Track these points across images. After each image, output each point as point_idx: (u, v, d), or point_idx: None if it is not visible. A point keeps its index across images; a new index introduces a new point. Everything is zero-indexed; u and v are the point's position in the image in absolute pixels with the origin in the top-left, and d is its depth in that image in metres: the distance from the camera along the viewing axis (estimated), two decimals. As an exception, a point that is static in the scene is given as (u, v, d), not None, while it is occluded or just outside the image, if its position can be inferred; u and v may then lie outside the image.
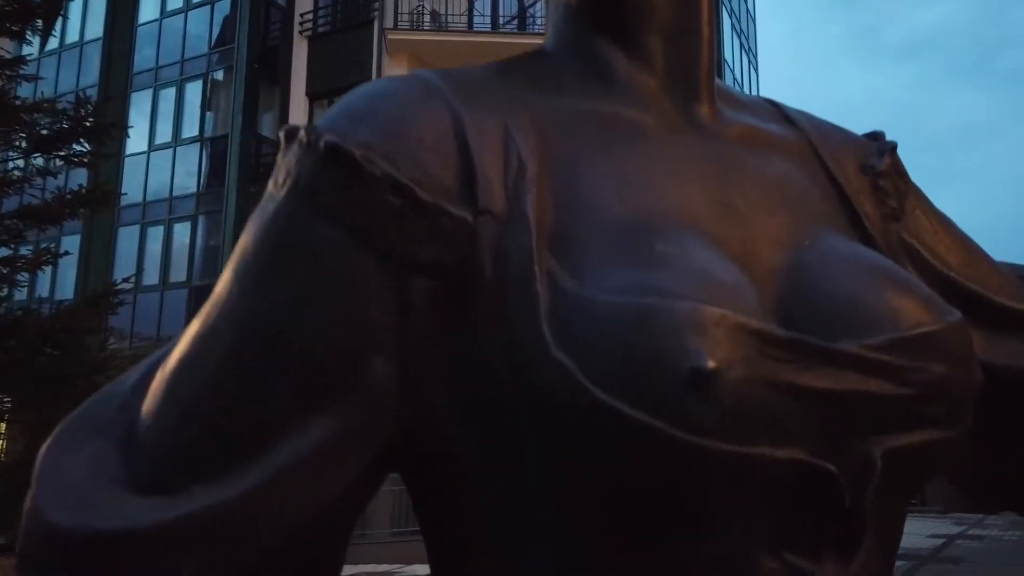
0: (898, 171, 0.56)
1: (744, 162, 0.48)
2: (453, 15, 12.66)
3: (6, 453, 7.55)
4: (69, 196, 7.07)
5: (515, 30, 12.89)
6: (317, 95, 12.90)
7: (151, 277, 13.75)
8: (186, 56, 14.94)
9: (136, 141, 13.96)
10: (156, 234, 14.30)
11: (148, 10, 15.59)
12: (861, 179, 0.54)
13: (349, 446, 0.39)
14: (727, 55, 18.84)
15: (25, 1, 6.90)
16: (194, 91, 14.81)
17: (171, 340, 0.43)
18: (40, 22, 7.31)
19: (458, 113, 0.43)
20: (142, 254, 14.16)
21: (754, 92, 16.25)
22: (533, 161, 0.42)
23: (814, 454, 0.38)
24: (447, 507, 0.44)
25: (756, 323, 0.37)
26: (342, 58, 12.65)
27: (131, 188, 13.29)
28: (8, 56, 7.09)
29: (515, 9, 13.16)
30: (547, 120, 0.45)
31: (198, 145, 14.49)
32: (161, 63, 15.09)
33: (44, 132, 7.17)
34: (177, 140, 14.65)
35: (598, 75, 0.49)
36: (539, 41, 0.54)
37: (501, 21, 13.06)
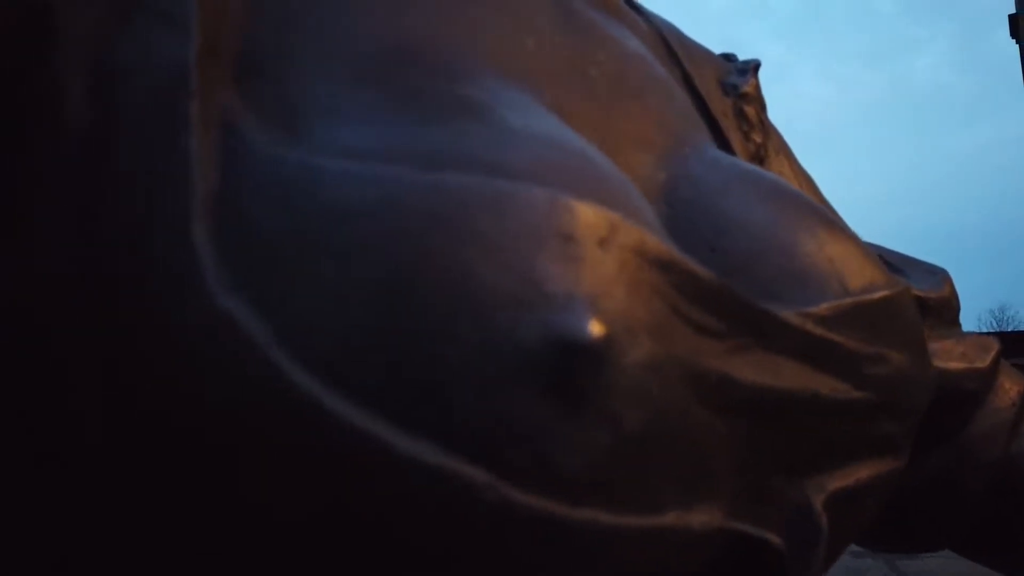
0: (760, 99, 0.42)
1: (595, 23, 0.30)
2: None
3: None
4: None
5: None
6: None
7: None
8: None
9: None
10: None
11: None
12: (723, 100, 0.39)
13: None
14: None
15: None
16: None
17: None
18: None
19: None
20: None
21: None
22: None
23: (734, 514, 0.20)
24: None
25: (665, 246, 0.18)
26: None
27: None
28: None
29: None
30: None
31: None
32: None
33: None
34: None
35: None
36: None
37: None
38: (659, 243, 0.17)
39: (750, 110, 0.40)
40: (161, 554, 0.17)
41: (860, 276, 0.25)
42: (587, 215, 0.16)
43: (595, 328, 0.15)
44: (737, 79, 0.40)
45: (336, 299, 0.15)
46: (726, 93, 0.39)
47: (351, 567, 0.15)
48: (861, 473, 0.24)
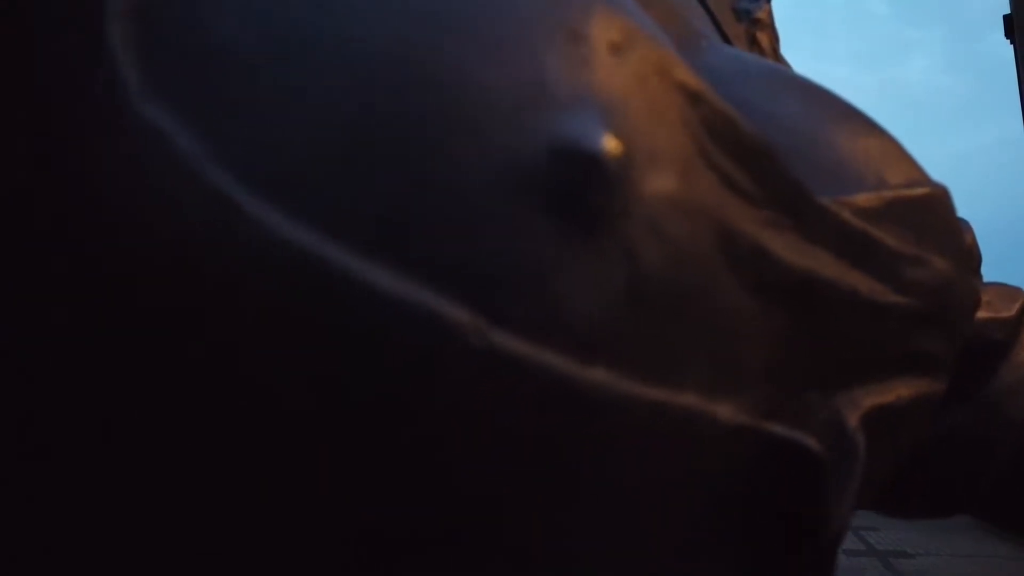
0: (774, 28, 0.40)
1: None
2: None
3: None
4: None
5: None
6: None
7: None
8: None
9: None
10: None
11: None
12: (735, 25, 0.37)
13: None
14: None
15: None
16: None
17: None
18: None
19: None
20: None
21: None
22: None
23: (765, 415, 0.18)
24: None
25: (694, 74, 0.15)
26: None
27: None
28: None
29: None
30: None
31: None
32: None
33: None
34: None
35: None
36: None
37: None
38: (687, 69, 0.14)
39: (763, 38, 0.37)
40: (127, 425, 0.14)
41: (899, 171, 0.22)
42: (599, 13, 0.13)
43: (609, 141, 0.12)
44: (750, 4, 0.38)
45: (293, 107, 0.12)
46: (739, 19, 0.37)
47: (309, 408, 0.12)
48: (899, 391, 0.22)
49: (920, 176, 0.23)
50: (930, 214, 0.22)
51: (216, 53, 0.13)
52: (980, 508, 0.44)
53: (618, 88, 0.13)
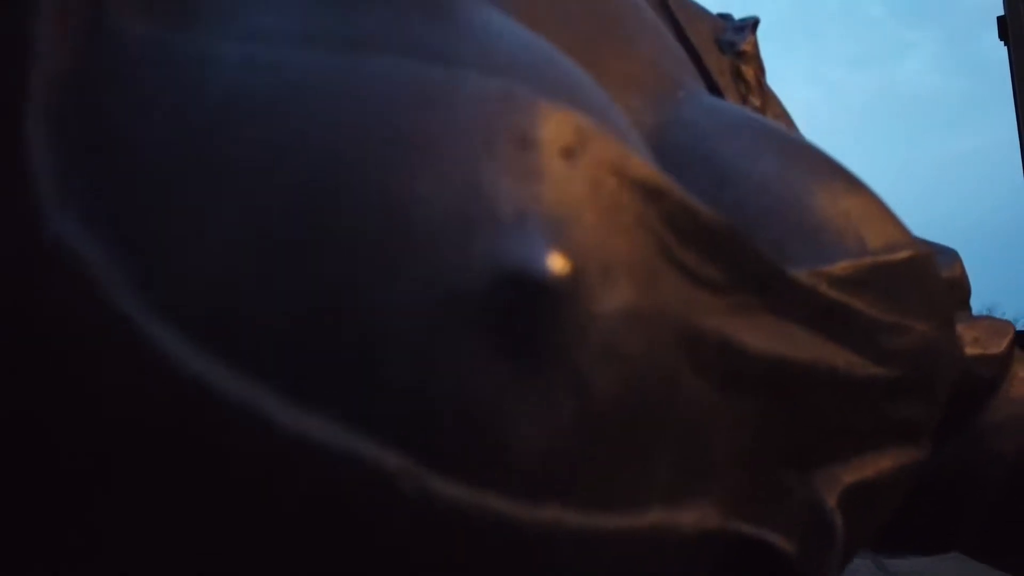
0: (759, 60, 0.39)
1: None
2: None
3: None
4: None
5: None
6: None
7: None
8: None
9: None
10: None
11: None
12: (719, 58, 0.36)
13: None
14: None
15: None
16: None
17: None
18: None
19: None
20: None
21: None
22: None
23: (733, 513, 0.17)
24: None
25: (653, 169, 0.14)
26: None
27: None
28: None
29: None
30: None
31: None
32: None
33: None
34: None
35: None
36: None
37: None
38: (645, 164, 0.13)
39: (748, 71, 0.37)
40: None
41: (880, 233, 0.21)
42: (550, 116, 0.12)
43: (556, 261, 0.11)
44: (734, 36, 0.37)
45: (216, 229, 0.11)
46: (722, 51, 0.36)
47: (232, 559, 0.12)
48: (880, 464, 0.21)
49: (902, 237, 0.22)
50: (910, 278, 0.21)
51: (138, 163, 0.12)
52: (970, 545, 0.43)
53: (569, 197, 0.12)
